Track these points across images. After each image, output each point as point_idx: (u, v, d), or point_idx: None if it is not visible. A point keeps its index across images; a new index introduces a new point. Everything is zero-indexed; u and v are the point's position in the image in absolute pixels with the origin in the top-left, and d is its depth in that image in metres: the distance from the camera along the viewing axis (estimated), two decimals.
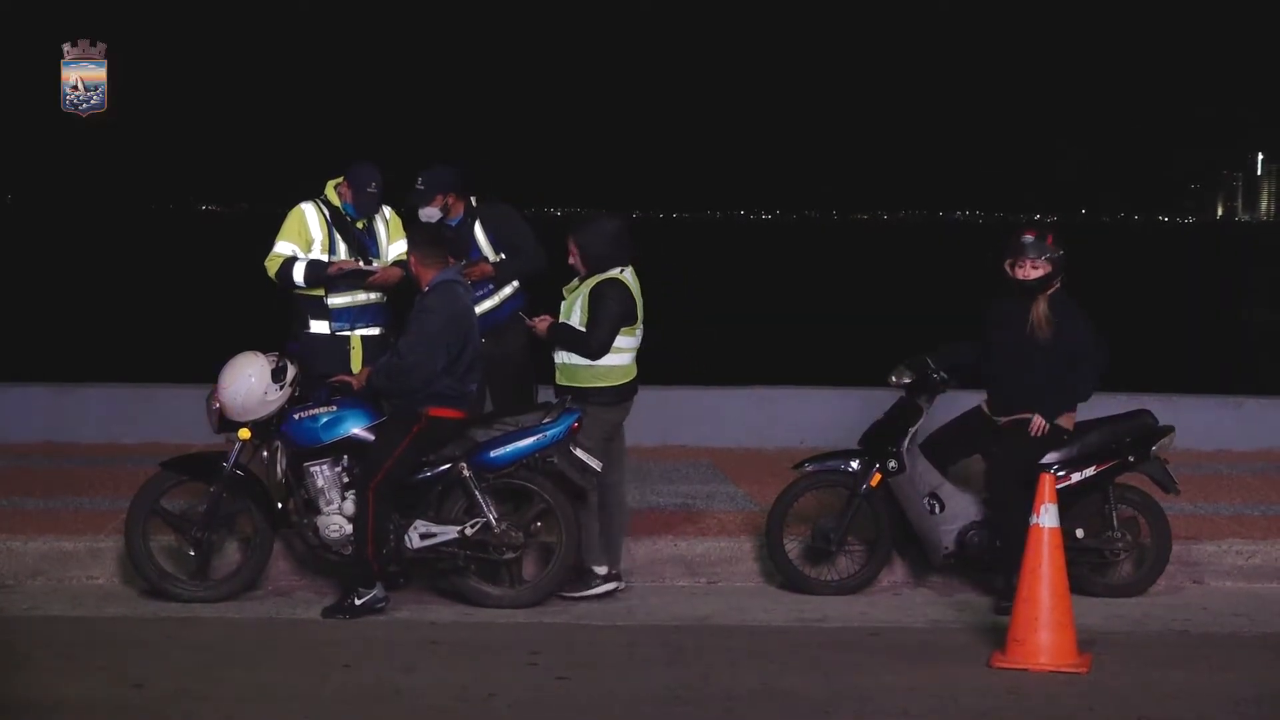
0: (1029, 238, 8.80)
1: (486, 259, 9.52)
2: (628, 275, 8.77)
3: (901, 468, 8.90)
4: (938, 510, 8.96)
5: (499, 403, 9.38)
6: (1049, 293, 8.78)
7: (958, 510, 8.97)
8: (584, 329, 8.69)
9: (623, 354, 8.76)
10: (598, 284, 8.72)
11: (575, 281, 8.86)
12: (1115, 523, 9.04)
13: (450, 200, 9.53)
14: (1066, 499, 8.77)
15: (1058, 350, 8.73)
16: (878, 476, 8.95)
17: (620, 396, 8.80)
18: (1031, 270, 8.77)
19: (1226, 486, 11.15)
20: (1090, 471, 8.93)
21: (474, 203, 9.64)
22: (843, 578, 9.12)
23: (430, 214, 9.47)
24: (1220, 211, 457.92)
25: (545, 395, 9.21)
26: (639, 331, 8.84)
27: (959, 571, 9.23)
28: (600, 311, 8.66)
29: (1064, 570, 7.76)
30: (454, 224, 9.54)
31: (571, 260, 8.81)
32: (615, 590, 8.88)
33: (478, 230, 9.56)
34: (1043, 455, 8.79)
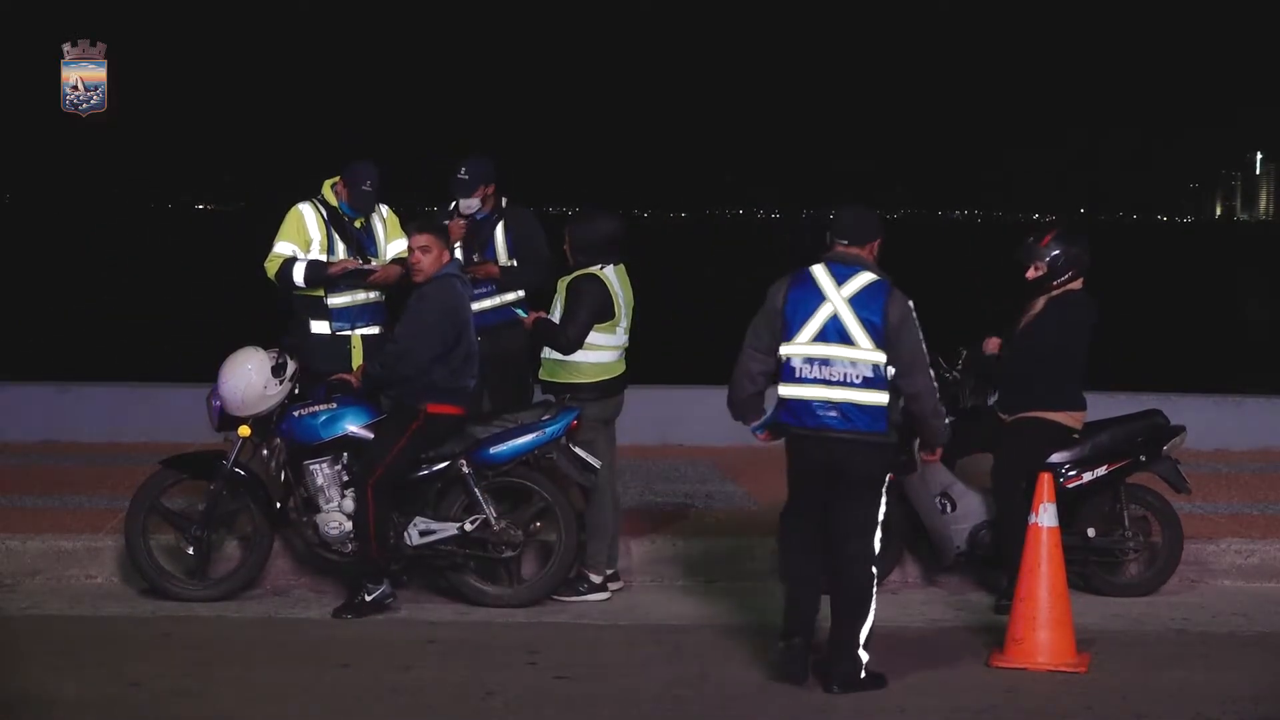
0: (1029, 240, 8.88)
1: (496, 261, 9.52)
2: (609, 272, 8.77)
3: (913, 466, 8.90)
4: (949, 509, 8.96)
5: (497, 403, 9.37)
6: (1054, 293, 8.79)
7: (969, 509, 8.96)
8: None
9: (600, 351, 8.76)
10: (574, 279, 8.75)
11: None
12: (1126, 522, 9.05)
13: (489, 192, 9.55)
14: (1078, 498, 8.81)
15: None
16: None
17: (598, 394, 8.79)
18: (1033, 272, 8.81)
19: (1226, 486, 11.15)
20: (1102, 471, 8.94)
21: (504, 202, 9.64)
22: None
23: (471, 204, 9.48)
24: (1219, 211, 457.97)
25: (542, 397, 9.19)
26: (620, 330, 8.82)
27: (969, 570, 9.22)
28: (574, 306, 8.68)
29: (1063, 569, 7.76)
30: (480, 218, 9.54)
31: (565, 249, 8.86)
32: (607, 598, 8.85)
33: (499, 230, 9.56)
34: (1045, 454, 8.80)
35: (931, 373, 7.32)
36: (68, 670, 7.46)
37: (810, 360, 7.23)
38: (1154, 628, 8.53)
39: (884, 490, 7.34)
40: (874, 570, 7.26)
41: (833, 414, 7.21)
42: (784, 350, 7.30)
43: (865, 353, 7.18)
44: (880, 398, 7.19)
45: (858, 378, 7.18)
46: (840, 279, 7.27)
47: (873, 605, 7.24)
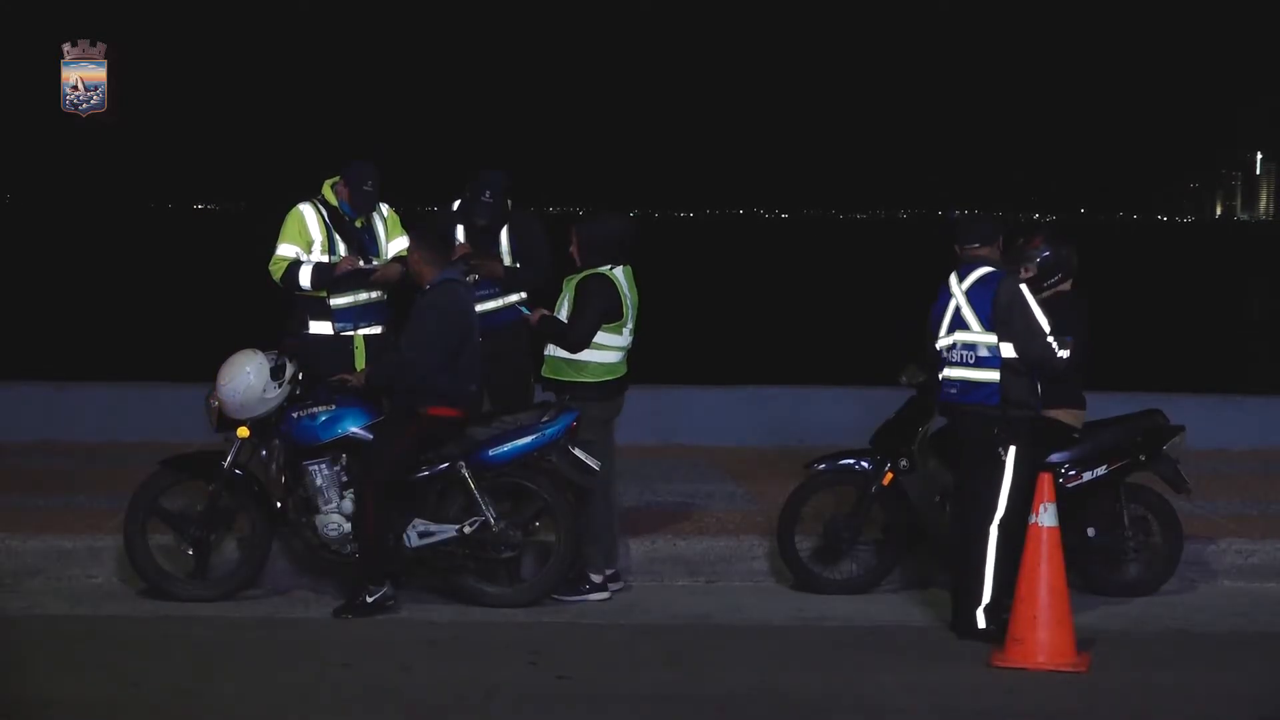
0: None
1: (501, 261, 9.53)
2: (617, 273, 8.80)
3: (913, 467, 8.90)
4: (949, 509, 8.95)
5: (498, 404, 9.36)
6: (1044, 295, 8.79)
7: None
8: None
9: (606, 351, 8.77)
10: (583, 278, 8.77)
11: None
12: (1126, 522, 9.05)
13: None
14: (1078, 497, 8.82)
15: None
16: (889, 475, 8.94)
17: (602, 394, 8.80)
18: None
19: (1226, 486, 11.15)
20: (1102, 470, 8.94)
21: (509, 205, 9.64)
22: (854, 577, 9.12)
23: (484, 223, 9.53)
24: (1219, 211, 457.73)
25: (543, 397, 9.20)
26: (627, 330, 8.84)
27: None
28: (583, 305, 8.69)
29: (1062, 569, 7.76)
30: (486, 220, 9.55)
31: (571, 250, 8.87)
32: (607, 598, 8.85)
33: (504, 233, 9.58)
34: (1045, 454, 8.79)
35: (1050, 341, 8.12)
36: (68, 670, 7.46)
37: (950, 347, 8.33)
38: (1154, 628, 8.53)
39: (1005, 462, 8.13)
40: (993, 535, 8.12)
41: (953, 390, 8.29)
42: (937, 345, 8.46)
43: (977, 335, 8.20)
44: (991, 375, 8.16)
45: (972, 358, 8.21)
46: (962, 276, 8.33)
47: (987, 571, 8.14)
